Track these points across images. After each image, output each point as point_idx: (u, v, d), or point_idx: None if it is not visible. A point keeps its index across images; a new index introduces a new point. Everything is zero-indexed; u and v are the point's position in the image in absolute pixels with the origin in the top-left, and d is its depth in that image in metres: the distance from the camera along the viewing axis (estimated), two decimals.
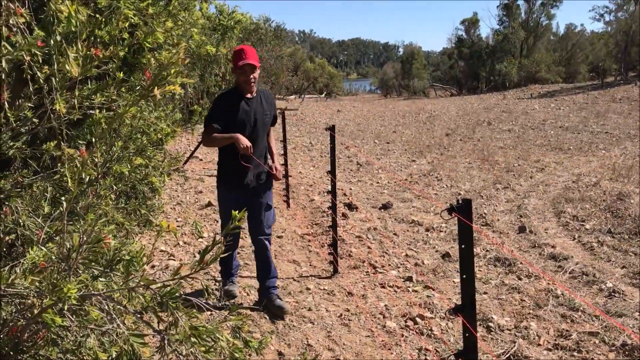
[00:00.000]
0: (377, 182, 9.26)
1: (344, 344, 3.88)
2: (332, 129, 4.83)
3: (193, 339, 1.41)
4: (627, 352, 3.69)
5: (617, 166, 9.54)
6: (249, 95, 3.99)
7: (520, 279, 4.98)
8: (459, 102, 27.04)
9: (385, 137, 15.07)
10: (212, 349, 1.44)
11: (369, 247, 5.86)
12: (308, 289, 4.76)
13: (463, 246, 2.14)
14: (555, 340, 3.91)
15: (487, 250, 5.71)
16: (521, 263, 5.30)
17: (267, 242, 4.19)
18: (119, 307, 1.55)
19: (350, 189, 8.68)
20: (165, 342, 1.39)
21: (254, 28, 19.12)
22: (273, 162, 4.22)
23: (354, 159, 11.54)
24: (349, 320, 4.27)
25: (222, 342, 1.47)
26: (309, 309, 4.38)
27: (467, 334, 2.21)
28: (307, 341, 3.88)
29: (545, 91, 28.99)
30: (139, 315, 1.52)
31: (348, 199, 7.86)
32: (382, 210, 7.37)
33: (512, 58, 36.94)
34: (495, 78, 36.45)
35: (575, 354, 3.73)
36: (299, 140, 14.55)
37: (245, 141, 3.81)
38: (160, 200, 6.13)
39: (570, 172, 9.53)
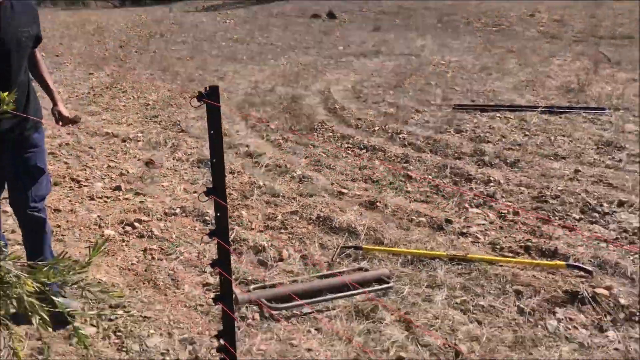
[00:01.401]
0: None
1: None
2: None
3: None
4: (320, 223, 4.37)
5: (286, 73, 10.61)
6: None
7: (225, 175, 5.33)
8: (126, 14, 25.76)
9: (52, 49, 13.61)
10: None
11: (66, 163, 5.47)
12: (5, 211, 4.27)
13: (212, 132, 2.26)
14: (265, 223, 4.40)
15: (189, 154, 5.91)
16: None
17: (42, 216, 2.99)
18: None
19: None
20: None
21: None
22: (55, 104, 3.08)
23: None
24: (63, 235, 4.05)
25: None
26: (13, 231, 3.97)
27: (219, 213, 2.38)
28: None
29: (209, 5, 29.63)
30: None
31: None
32: (71, 125, 6.85)
33: None
34: None
35: (282, 230, 4.28)
36: None
37: None
38: None
39: (248, 79, 10.23)
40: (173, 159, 5.78)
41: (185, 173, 5.41)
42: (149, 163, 5.60)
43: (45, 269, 1.57)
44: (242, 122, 7.39)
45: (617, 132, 6.66)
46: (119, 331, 2.96)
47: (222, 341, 2.54)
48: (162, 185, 5.08)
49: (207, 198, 2.40)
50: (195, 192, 4.95)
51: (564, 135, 6.51)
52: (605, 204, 4.60)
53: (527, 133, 6.63)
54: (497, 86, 9.25)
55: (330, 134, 6.75)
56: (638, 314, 3.17)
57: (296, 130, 6.92)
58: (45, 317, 1.55)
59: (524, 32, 16.01)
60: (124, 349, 2.84)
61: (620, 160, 5.69)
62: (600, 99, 8.25)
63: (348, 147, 6.30)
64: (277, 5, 26.82)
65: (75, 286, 1.64)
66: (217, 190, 2.31)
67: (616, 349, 2.90)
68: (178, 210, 4.56)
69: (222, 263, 2.45)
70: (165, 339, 2.95)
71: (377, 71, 10.89)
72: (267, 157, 5.89)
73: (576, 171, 5.34)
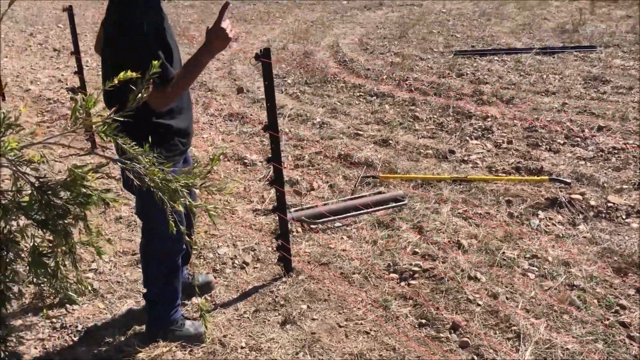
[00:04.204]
0: None
1: None
2: None
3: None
4: (341, 160, 5.15)
5: (295, 31, 11.22)
6: None
7: (254, 126, 6.10)
8: None
9: None
10: None
11: None
12: None
13: (267, 82, 3.00)
14: (294, 162, 5.18)
15: (220, 110, 6.66)
16: (251, 115, 6.41)
17: None
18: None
19: None
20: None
21: None
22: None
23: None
24: None
25: None
26: None
27: (274, 144, 3.15)
28: None
29: None
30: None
31: None
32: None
33: None
34: None
35: (310, 167, 5.05)
36: None
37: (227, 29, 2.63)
38: None
39: (260, 39, 10.86)
40: (207, 115, 6.53)
41: (220, 126, 6.17)
42: None
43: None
44: (260, 79, 8.09)
45: (605, 67, 7.32)
46: (195, 244, 3.78)
47: (280, 241, 3.36)
48: (203, 137, 5.85)
49: (264, 132, 3.16)
50: (232, 140, 5.71)
51: (555, 74, 7.18)
52: (586, 130, 5.33)
53: (522, 73, 7.31)
54: (496, 31, 9.85)
55: (343, 84, 7.45)
56: (604, 211, 3.95)
57: (311, 84, 7.62)
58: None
59: None
60: (201, 257, 3.68)
61: (604, 93, 6.38)
62: (592, 38, 8.85)
63: (360, 95, 7.01)
64: None
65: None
66: (272, 127, 3.06)
67: (584, 237, 3.69)
68: (220, 157, 5.33)
69: (277, 181, 3.24)
70: (231, 248, 3.77)
71: (381, 23, 11.46)
72: (288, 108, 6.62)
73: (563, 104, 6.05)
